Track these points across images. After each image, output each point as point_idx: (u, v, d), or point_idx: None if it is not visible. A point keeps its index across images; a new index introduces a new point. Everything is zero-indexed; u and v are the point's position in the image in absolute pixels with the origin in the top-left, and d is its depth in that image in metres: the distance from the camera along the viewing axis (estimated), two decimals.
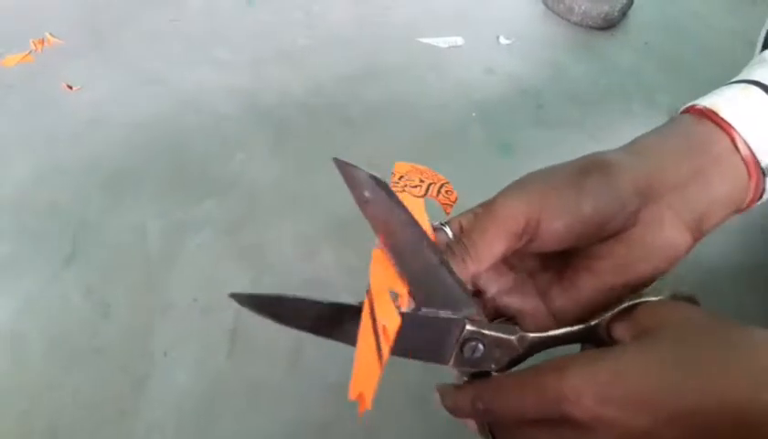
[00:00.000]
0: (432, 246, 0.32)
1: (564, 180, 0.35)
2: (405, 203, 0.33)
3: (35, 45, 0.83)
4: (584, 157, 0.36)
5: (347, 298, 0.60)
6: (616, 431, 0.28)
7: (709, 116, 0.36)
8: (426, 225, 0.34)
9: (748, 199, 0.37)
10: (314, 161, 0.72)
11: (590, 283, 0.36)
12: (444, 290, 0.32)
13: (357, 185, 0.31)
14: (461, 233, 0.36)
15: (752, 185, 0.36)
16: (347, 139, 0.75)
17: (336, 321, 0.35)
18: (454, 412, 0.35)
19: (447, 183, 0.39)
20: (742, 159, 0.35)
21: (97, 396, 0.54)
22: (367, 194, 0.31)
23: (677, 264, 0.36)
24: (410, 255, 0.32)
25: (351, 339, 0.33)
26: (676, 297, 0.32)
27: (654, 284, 0.33)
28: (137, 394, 0.54)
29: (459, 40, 0.89)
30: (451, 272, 0.32)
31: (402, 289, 0.33)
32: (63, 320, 0.58)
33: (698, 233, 0.36)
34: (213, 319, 0.59)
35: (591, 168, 0.35)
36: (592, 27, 0.93)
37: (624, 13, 0.94)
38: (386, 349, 0.32)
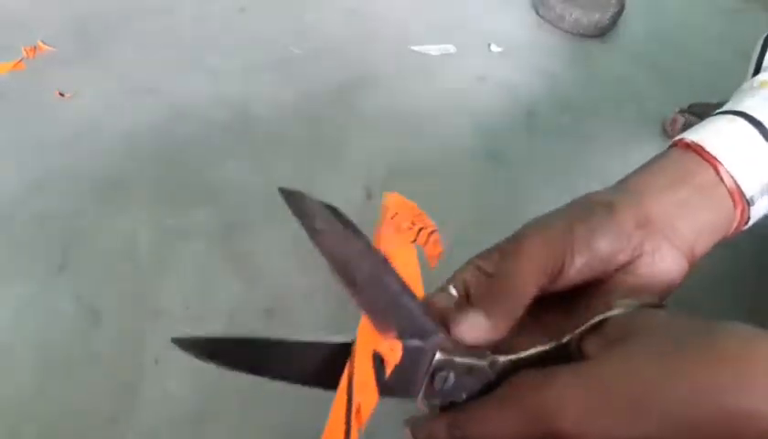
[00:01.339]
0: (392, 273, 0.31)
1: (572, 220, 0.35)
2: (397, 249, 0.32)
3: (26, 52, 0.82)
4: (583, 197, 0.37)
5: (341, 305, 0.61)
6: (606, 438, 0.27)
7: (695, 149, 0.38)
8: (417, 279, 0.32)
9: (734, 226, 0.39)
10: (305, 168, 0.72)
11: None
12: (409, 318, 0.31)
13: (307, 214, 0.30)
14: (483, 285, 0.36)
15: (738, 213, 0.38)
16: (339, 146, 0.75)
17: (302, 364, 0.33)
18: None
19: (435, 231, 0.37)
20: (727, 190, 0.37)
21: (88, 404, 0.53)
22: (318, 225, 0.29)
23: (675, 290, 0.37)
24: (369, 285, 0.30)
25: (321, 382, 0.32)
26: (643, 306, 0.32)
27: (619, 299, 0.33)
28: (128, 402, 0.54)
29: (451, 48, 0.89)
30: (413, 298, 0.31)
31: (388, 350, 0.32)
32: (53, 329, 0.57)
33: (692, 259, 0.38)
34: (204, 327, 0.58)
35: (594, 207, 0.36)
36: (583, 36, 0.94)
37: (614, 21, 0.94)
38: (355, 431, 0.31)
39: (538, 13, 0.96)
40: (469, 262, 0.38)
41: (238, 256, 0.64)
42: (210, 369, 0.56)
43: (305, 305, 0.60)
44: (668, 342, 0.28)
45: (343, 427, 0.32)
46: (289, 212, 0.62)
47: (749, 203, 0.38)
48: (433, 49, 0.89)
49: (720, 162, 0.37)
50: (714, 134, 0.38)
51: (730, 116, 0.39)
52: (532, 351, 0.33)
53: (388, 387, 0.32)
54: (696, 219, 0.37)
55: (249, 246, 0.64)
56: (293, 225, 0.66)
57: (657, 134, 0.79)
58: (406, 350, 0.31)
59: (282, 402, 0.55)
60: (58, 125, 0.74)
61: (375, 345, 0.32)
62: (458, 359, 0.32)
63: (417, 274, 0.33)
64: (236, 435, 0.53)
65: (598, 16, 0.92)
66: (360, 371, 0.32)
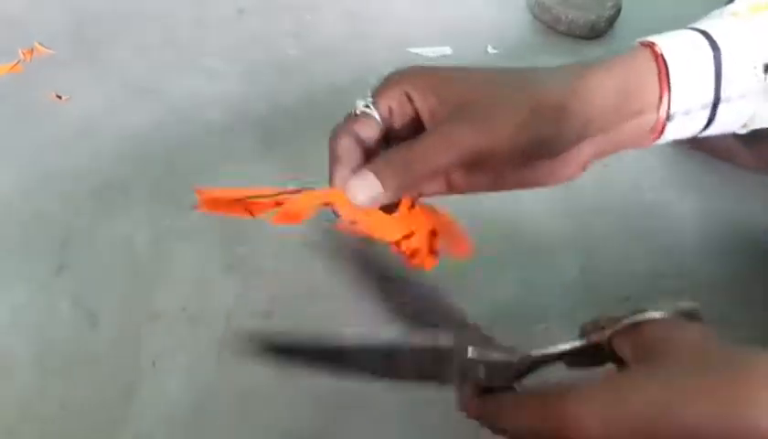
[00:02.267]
0: (420, 285, 0.34)
1: (517, 116, 0.36)
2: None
3: (23, 54, 0.82)
4: (534, 89, 0.37)
5: (339, 308, 0.61)
6: None
7: (657, 60, 0.38)
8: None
9: (642, 145, 0.40)
10: (304, 170, 0.72)
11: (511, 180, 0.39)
12: (443, 311, 0.33)
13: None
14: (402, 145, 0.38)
15: (653, 136, 0.39)
16: None
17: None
18: (469, 416, 0.35)
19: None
20: (657, 118, 0.38)
21: (85, 406, 0.53)
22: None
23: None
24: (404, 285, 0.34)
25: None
26: (678, 313, 0.32)
27: (657, 298, 0.33)
28: (126, 404, 0.54)
29: (447, 50, 0.89)
30: (442, 305, 0.33)
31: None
32: (51, 331, 0.57)
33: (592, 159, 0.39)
34: (202, 328, 0.58)
35: (544, 112, 0.36)
36: (578, 37, 0.94)
37: (610, 23, 0.94)
38: (260, 209, 0.37)
39: (534, 14, 0.97)
40: (392, 80, 0.41)
41: (236, 258, 0.64)
42: (208, 371, 0.56)
43: (304, 307, 0.60)
44: (695, 367, 0.28)
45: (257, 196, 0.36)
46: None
47: (668, 118, 0.38)
48: (430, 51, 0.89)
49: (668, 88, 0.37)
50: (677, 47, 0.38)
51: (694, 33, 0.40)
52: (562, 347, 0.34)
53: (427, 374, 0.35)
54: (616, 134, 0.38)
55: (247, 249, 0.64)
56: (292, 227, 0.66)
57: None
58: (439, 349, 0.34)
59: (280, 404, 0.55)
60: (55, 127, 0.74)
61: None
62: (489, 359, 0.34)
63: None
64: (234, 437, 0.53)
65: (594, 18, 0.92)
66: (307, 198, 0.39)
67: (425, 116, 0.39)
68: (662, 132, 0.39)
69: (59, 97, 0.78)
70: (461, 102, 0.37)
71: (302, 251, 0.65)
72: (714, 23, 0.40)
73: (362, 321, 0.58)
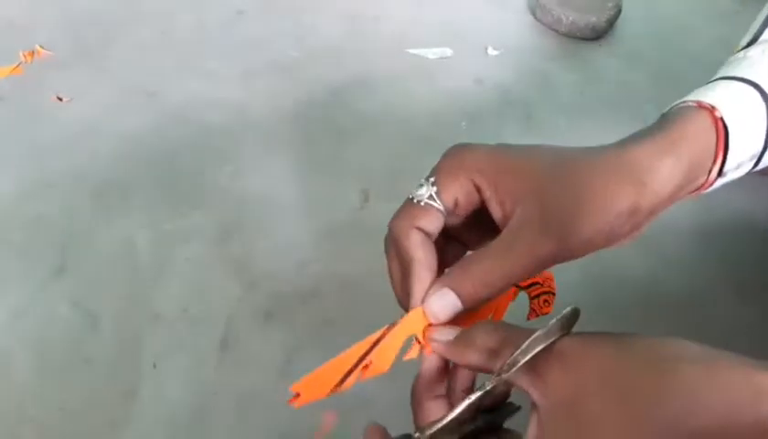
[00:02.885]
0: None
1: (599, 225, 0.34)
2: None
3: (24, 57, 0.83)
4: (619, 192, 0.34)
5: (340, 308, 0.61)
6: None
7: (717, 127, 0.36)
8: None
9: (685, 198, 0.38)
10: (305, 172, 0.72)
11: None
12: None
13: None
14: None
15: (698, 192, 0.38)
16: (338, 150, 0.75)
17: None
18: None
19: (552, 294, 0.38)
20: (710, 179, 0.37)
21: (86, 408, 0.53)
22: None
23: None
24: None
25: None
26: (565, 329, 0.30)
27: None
28: (126, 406, 0.54)
29: (448, 51, 0.90)
30: None
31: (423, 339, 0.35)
32: (51, 333, 0.57)
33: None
34: (203, 330, 0.59)
35: (623, 216, 0.34)
36: (579, 38, 0.94)
37: (611, 23, 0.94)
38: (351, 381, 0.33)
39: (534, 16, 0.97)
40: (463, 172, 0.36)
41: (236, 259, 0.64)
42: (208, 373, 0.56)
43: (304, 309, 0.60)
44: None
45: (345, 370, 0.34)
46: (287, 215, 0.62)
47: (720, 175, 0.37)
48: (431, 53, 0.89)
49: (723, 155, 0.36)
50: (735, 111, 0.36)
51: (747, 87, 0.38)
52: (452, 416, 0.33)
53: None
54: (665, 205, 0.36)
55: (247, 249, 0.64)
56: (292, 228, 0.67)
57: None
58: None
59: (278, 405, 0.55)
60: (55, 129, 0.74)
61: (417, 331, 0.35)
62: None
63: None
64: (233, 438, 0.53)
65: (595, 19, 0.92)
66: (390, 342, 0.35)
67: (494, 208, 0.36)
68: (711, 186, 0.38)
69: (60, 99, 0.78)
70: (539, 199, 0.34)
71: (302, 254, 0.65)
72: (760, 71, 0.39)
73: (362, 323, 0.58)
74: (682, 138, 0.36)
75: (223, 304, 0.60)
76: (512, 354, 0.29)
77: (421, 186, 0.37)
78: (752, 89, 0.38)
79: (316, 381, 0.35)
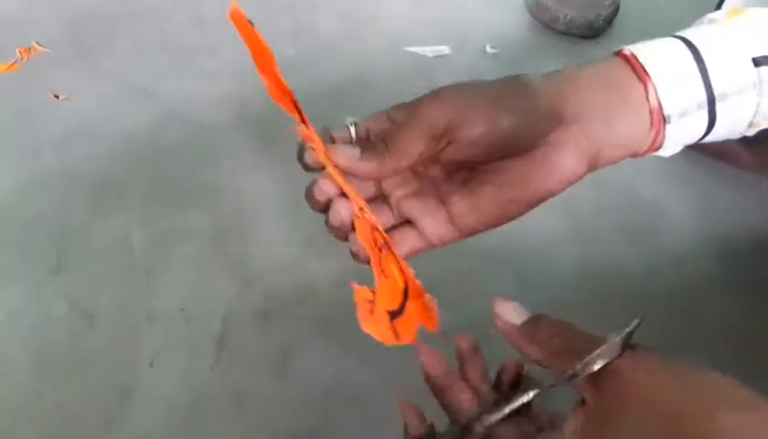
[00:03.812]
0: None
1: (486, 94, 0.37)
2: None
3: (21, 54, 0.82)
4: (507, 77, 0.39)
5: (336, 307, 0.61)
6: None
7: (631, 61, 0.38)
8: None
9: (646, 147, 0.40)
10: (302, 170, 0.72)
11: (489, 194, 0.38)
12: None
13: None
14: (382, 132, 0.39)
15: (653, 134, 0.39)
16: None
17: None
18: None
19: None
20: (650, 109, 0.38)
21: (82, 407, 0.53)
22: None
23: (567, 189, 0.39)
24: None
25: None
26: (627, 344, 0.31)
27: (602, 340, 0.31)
28: (123, 405, 0.54)
29: (445, 49, 0.89)
30: None
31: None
32: (48, 331, 0.57)
33: (594, 165, 0.39)
34: (199, 329, 0.58)
35: (512, 87, 0.38)
36: (577, 36, 0.94)
37: (608, 21, 0.94)
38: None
39: (532, 14, 0.97)
40: (380, 112, 0.41)
41: (233, 258, 0.64)
42: (204, 372, 0.56)
43: (301, 307, 0.60)
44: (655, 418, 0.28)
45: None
46: (284, 213, 0.62)
47: (665, 120, 0.38)
48: (428, 51, 0.89)
49: (650, 79, 0.37)
50: (652, 51, 0.39)
51: (672, 39, 0.40)
52: (514, 405, 0.34)
53: None
54: (611, 127, 0.38)
55: (244, 248, 0.64)
56: (289, 227, 0.67)
57: None
58: None
59: (276, 404, 0.55)
60: (52, 127, 0.74)
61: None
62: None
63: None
64: (231, 436, 0.53)
65: (592, 17, 0.92)
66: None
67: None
68: (662, 135, 0.39)
69: (57, 97, 0.78)
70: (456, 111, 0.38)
71: (298, 252, 0.65)
72: (691, 30, 0.41)
73: (357, 321, 0.58)
74: (592, 67, 0.40)
75: (220, 302, 0.60)
76: (574, 365, 0.31)
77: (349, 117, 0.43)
78: (675, 39, 0.40)
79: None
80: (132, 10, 0.91)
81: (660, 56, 0.38)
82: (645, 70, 0.38)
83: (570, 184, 0.38)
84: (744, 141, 0.74)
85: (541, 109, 0.37)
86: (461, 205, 0.39)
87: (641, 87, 0.38)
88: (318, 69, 0.85)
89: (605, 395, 0.30)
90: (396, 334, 0.38)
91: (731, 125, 0.40)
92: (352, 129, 0.41)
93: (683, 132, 0.39)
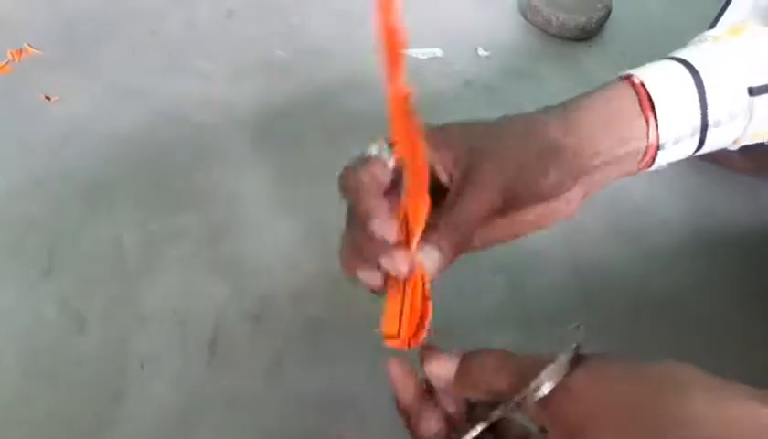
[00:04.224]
0: None
1: (533, 156, 0.37)
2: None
3: (12, 55, 0.82)
4: (543, 134, 0.38)
5: (329, 310, 0.61)
6: None
7: (639, 92, 0.39)
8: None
9: (634, 172, 0.41)
10: (295, 172, 0.72)
11: (501, 228, 0.40)
12: None
13: None
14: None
15: (645, 161, 0.40)
16: (327, 149, 0.75)
17: None
18: None
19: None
20: (647, 144, 0.39)
21: (73, 411, 0.53)
22: None
23: None
24: None
25: None
26: (576, 359, 0.30)
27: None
28: (114, 408, 0.53)
29: (438, 52, 0.90)
30: None
31: None
32: (38, 334, 0.57)
33: (587, 195, 0.40)
34: (191, 331, 0.58)
35: (550, 156, 0.37)
36: (569, 39, 0.94)
37: (601, 24, 0.95)
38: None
39: (524, 16, 0.97)
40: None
41: (225, 261, 0.63)
42: (196, 374, 0.56)
43: (293, 311, 0.60)
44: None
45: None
46: (277, 215, 0.62)
47: (659, 148, 0.39)
48: (421, 53, 0.89)
49: (654, 114, 0.38)
50: (658, 79, 0.39)
51: (676, 64, 0.40)
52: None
53: None
54: (612, 171, 0.39)
55: (236, 250, 0.64)
56: (282, 228, 0.67)
57: None
58: None
59: (268, 406, 0.55)
60: (43, 129, 0.74)
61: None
62: None
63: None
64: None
65: (584, 20, 0.92)
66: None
67: (441, 176, 0.40)
68: (653, 160, 0.40)
69: (48, 98, 0.77)
70: (471, 157, 0.38)
71: (291, 255, 0.64)
72: (692, 50, 0.41)
73: (352, 324, 0.58)
74: (598, 96, 0.40)
75: (211, 305, 0.60)
76: (521, 394, 0.30)
77: (374, 143, 0.40)
78: (677, 63, 0.40)
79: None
80: (124, 11, 0.90)
81: (663, 82, 0.39)
82: (650, 103, 0.38)
83: (570, 216, 0.40)
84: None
85: (571, 173, 0.37)
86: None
87: (642, 124, 0.38)
88: (310, 70, 0.85)
89: (562, 418, 0.29)
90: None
91: (718, 146, 0.41)
92: (390, 163, 0.40)
93: (672, 155, 0.40)
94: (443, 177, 0.40)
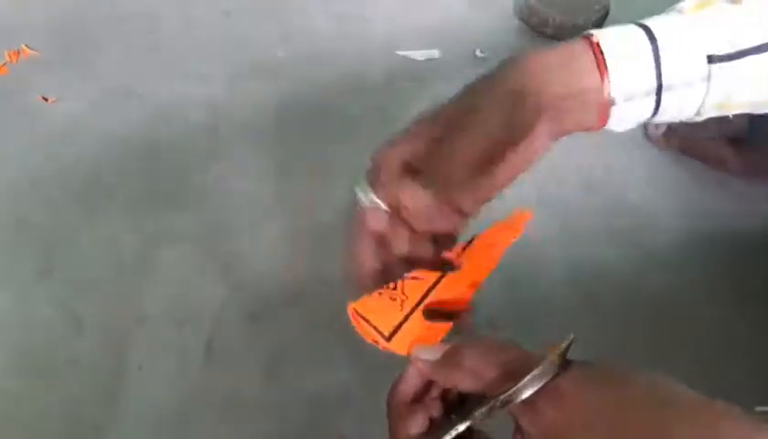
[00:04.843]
0: None
1: (498, 113, 0.38)
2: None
3: (10, 56, 0.82)
4: (502, 80, 0.39)
5: (325, 310, 0.61)
6: None
7: (594, 50, 0.39)
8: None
9: (592, 126, 0.41)
10: (291, 173, 0.72)
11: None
12: None
13: None
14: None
15: (600, 115, 0.40)
16: (325, 150, 0.75)
17: None
18: None
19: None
20: (600, 100, 0.39)
21: (70, 411, 0.53)
22: None
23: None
24: None
25: None
26: (563, 362, 0.30)
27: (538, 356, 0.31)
28: (111, 408, 0.53)
29: (436, 53, 0.90)
30: None
31: None
32: (36, 334, 0.57)
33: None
34: (188, 332, 0.58)
35: (514, 100, 0.38)
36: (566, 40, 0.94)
37: (598, 25, 0.95)
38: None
39: (521, 18, 0.97)
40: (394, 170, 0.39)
41: (221, 261, 0.63)
42: (193, 375, 0.56)
43: (289, 310, 0.60)
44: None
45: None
46: (274, 217, 0.62)
47: (611, 103, 0.39)
48: (419, 54, 0.89)
49: (606, 71, 0.38)
50: (615, 41, 0.40)
51: (636, 28, 0.41)
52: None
53: None
54: (567, 117, 0.39)
55: (232, 251, 0.64)
56: (278, 229, 0.67)
57: (640, 137, 0.80)
58: None
59: (266, 406, 0.55)
60: (41, 129, 0.74)
61: None
62: None
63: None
64: None
65: (581, 21, 0.92)
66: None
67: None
68: (608, 115, 0.41)
69: (46, 99, 0.77)
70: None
71: (287, 255, 0.64)
72: (657, 18, 0.42)
73: (348, 324, 0.58)
74: (560, 48, 0.40)
75: (208, 305, 0.60)
76: (507, 392, 0.30)
77: (361, 192, 0.41)
78: (637, 27, 0.40)
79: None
80: (120, 13, 0.90)
81: (618, 43, 0.39)
82: (603, 60, 0.38)
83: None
84: (733, 147, 0.75)
85: (534, 112, 0.38)
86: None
87: (596, 77, 0.39)
88: (307, 71, 0.85)
89: (545, 421, 0.29)
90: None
91: (676, 113, 0.42)
92: (383, 205, 0.40)
93: (627, 114, 0.41)
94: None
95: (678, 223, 0.71)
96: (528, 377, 0.29)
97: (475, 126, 0.39)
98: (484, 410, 0.31)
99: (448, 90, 0.81)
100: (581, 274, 0.65)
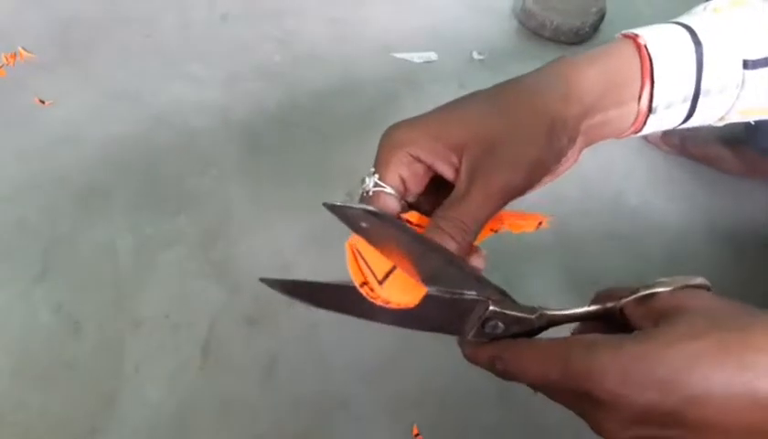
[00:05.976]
0: (437, 248, 0.33)
1: (541, 144, 0.36)
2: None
3: (7, 59, 0.82)
4: (545, 108, 0.37)
5: (322, 313, 0.60)
6: (636, 409, 0.29)
7: (641, 53, 0.38)
8: None
9: (626, 133, 0.40)
10: (288, 175, 0.72)
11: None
12: (463, 278, 0.34)
13: (352, 221, 0.32)
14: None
15: (637, 125, 0.39)
16: (321, 153, 0.75)
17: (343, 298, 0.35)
18: (472, 361, 0.36)
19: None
20: (638, 109, 0.38)
21: (67, 414, 0.53)
22: (363, 224, 0.32)
23: None
24: (420, 261, 0.33)
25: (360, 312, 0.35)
26: (689, 286, 0.33)
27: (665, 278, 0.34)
28: (108, 411, 0.53)
29: (433, 55, 0.90)
30: (462, 264, 0.34)
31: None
32: (33, 337, 0.57)
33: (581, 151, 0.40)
34: (185, 334, 0.58)
35: (557, 130, 0.36)
36: (563, 42, 0.95)
37: (595, 28, 0.95)
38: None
39: (519, 20, 0.97)
40: (398, 150, 0.37)
41: (219, 264, 0.63)
42: (190, 378, 0.56)
43: (287, 313, 0.60)
44: (704, 332, 0.29)
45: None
46: (271, 219, 0.63)
47: (651, 112, 0.38)
48: (416, 57, 0.89)
49: (651, 79, 0.38)
50: (662, 42, 0.38)
51: (680, 29, 0.39)
52: (578, 310, 0.35)
53: (447, 325, 0.35)
54: (607, 127, 0.39)
55: (230, 254, 0.64)
56: (275, 231, 0.66)
57: (639, 138, 0.80)
58: (463, 300, 0.35)
59: (262, 408, 0.54)
60: (38, 132, 0.74)
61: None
62: (509, 312, 0.35)
63: None
64: None
65: (578, 23, 0.93)
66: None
67: (443, 169, 0.39)
68: (644, 123, 0.40)
69: (43, 102, 0.77)
70: (477, 141, 0.37)
71: (285, 258, 0.64)
72: (697, 18, 0.41)
73: (346, 326, 0.58)
74: (601, 54, 0.38)
75: (206, 308, 0.60)
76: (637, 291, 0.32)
77: (365, 179, 0.39)
78: (683, 30, 0.40)
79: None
80: (119, 15, 0.90)
81: (666, 49, 0.38)
82: (650, 67, 0.38)
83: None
84: (730, 147, 0.75)
85: (572, 138, 0.37)
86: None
87: (638, 87, 0.38)
88: (305, 74, 0.85)
89: (668, 321, 0.31)
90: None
91: (705, 119, 0.41)
92: (388, 189, 0.39)
93: (661, 121, 0.40)
94: (447, 172, 0.39)
95: (679, 225, 0.71)
96: (661, 280, 0.33)
97: (509, 152, 0.36)
98: (622, 296, 0.33)
99: (446, 92, 0.81)
100: (580, 276, 0.65)
